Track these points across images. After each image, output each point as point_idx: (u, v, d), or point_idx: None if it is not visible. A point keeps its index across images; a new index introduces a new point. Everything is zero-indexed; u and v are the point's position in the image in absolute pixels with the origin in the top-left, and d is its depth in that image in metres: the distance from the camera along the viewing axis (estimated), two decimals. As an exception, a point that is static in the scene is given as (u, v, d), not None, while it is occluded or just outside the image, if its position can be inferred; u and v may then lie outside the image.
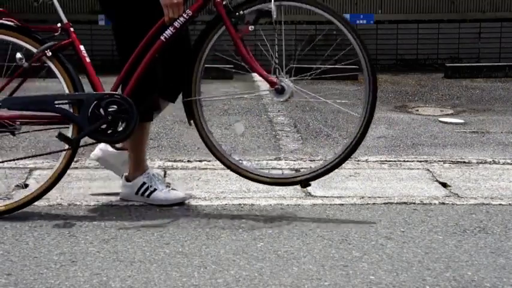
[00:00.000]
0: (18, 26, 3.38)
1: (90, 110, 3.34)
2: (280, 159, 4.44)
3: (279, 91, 3.39)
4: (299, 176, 3.57)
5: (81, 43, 3.41)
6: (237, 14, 3.38)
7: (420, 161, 4.41)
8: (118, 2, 3.45)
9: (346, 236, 3.16)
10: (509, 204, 3.62)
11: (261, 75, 3.40)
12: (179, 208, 3.53)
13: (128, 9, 3.43)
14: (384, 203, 3.62)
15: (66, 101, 3.37)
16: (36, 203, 3.56)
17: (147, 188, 3.57)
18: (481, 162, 4.41)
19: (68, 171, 4.11)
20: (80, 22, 8.84)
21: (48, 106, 3.37)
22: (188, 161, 4.42)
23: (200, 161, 4.40)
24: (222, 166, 4.25)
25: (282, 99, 3.42)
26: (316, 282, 2.69)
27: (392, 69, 8.21)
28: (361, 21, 8.29)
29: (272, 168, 4.18)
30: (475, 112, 6.07)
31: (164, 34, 3.35)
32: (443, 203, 3.62)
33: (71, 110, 3.37)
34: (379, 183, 3.93)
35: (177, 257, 2.93)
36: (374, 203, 3.62)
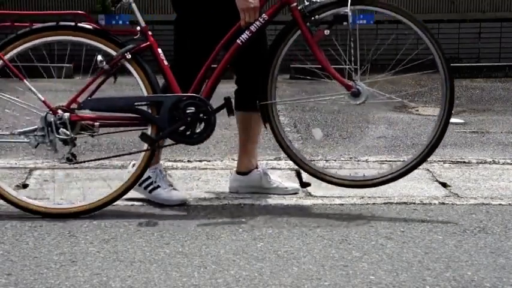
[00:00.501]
0: (97, 29, 3.42)
1: (169, 111, 3.36)
2: (280, 159, 4.44)
3: (355, 94, 3.43)
4: (379, 178, 3.59)
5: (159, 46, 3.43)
6: (312, 18, 3.40)
7: (420, 161, 4.40)
8: (189, 3, 3.50)
9: (346, 236, 3.16)
10: (509, 204, 3.62)
11: (337, 79, 3.43)
12: (179, 208, 3.53)
13: (198, 11, 3.47)
14: (383, 203, 3.62)
15: (146, 103, 3.40)
16: (36, 203, 3.56)
17: (151, 183, 3.58)
18: (481, 162, 4.41)
19: (68, 171, 4.12)
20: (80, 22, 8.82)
21: (128, 107, 3.40)
22: (188, 161, 4.42)
23: (200, 161, 4.40)
24: (222, 166, 4.27)
25: (358, 102, 3.45)
26: (316, 282, 2.69)
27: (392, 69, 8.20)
28: (361, 21, 8.29)
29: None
30: (475, 112, 6.07)
31: (240, 38, 3.39)
32: (443, 203, 3.62)
33: (150, 112, 3.40)
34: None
35: (177, 257, 2.93)
36: (374, 203, 3.62)
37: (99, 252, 2.97)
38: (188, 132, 3.40)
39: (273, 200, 3.65)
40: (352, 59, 3.38)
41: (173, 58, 3.60)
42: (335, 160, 4.42)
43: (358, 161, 4.42)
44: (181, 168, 4.25)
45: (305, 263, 2.86)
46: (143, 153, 3.43)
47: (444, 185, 3.94)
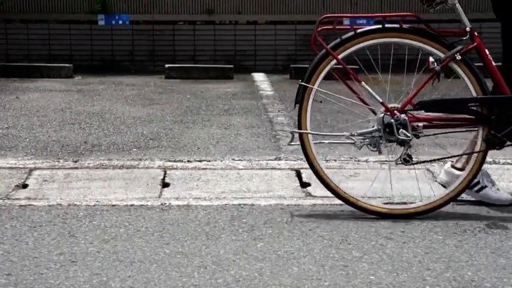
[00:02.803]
0: (423, 30, 3.45)
1: (504, 112, 3.36)
2: (280, 159, 4.44)
3: None
4: None
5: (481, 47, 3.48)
6: None
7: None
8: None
9: (346, 236, 3.16)
10: (510, 204, 3.62)
11: None
12: (179, 208, 3.53)
13: None
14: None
15: (479, 103, 3.39)
16: (35, 203, 3.57)
17: (477, 183, 3.58)
18: (481, 162, 4.40)
19: (68, 172, 4.12)
20: (80, 22, 8.84)
21: (463, 108, 3.40)
22: (188, 161, 4.41)
23: (200, 161, 4.40)
24: (222, 166, 4.27)
25: None
26: (316, 282, 2.69)
27: (392, 69, 8.20)
28: (361, 21, 8.29)
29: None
30: (475, 112, 6.07)
31: None
32: (443, 203, 3.62)
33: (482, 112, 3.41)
34: (379, 183, 3.92)
35: (177, 257, 2.93)
36: (374, 203, 3.62)
37: (99, 252, 2.97)
38: None
39: (273, 200, 3.65)
40: None
41: (502, 59, 3.57)
42: (335, 160, 4.42)
43: (358, 161, 4.42)
44: (181, 168, 4.25)
45: (305, 263, 2.86)
46: (475, 155, 3.42)
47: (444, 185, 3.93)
